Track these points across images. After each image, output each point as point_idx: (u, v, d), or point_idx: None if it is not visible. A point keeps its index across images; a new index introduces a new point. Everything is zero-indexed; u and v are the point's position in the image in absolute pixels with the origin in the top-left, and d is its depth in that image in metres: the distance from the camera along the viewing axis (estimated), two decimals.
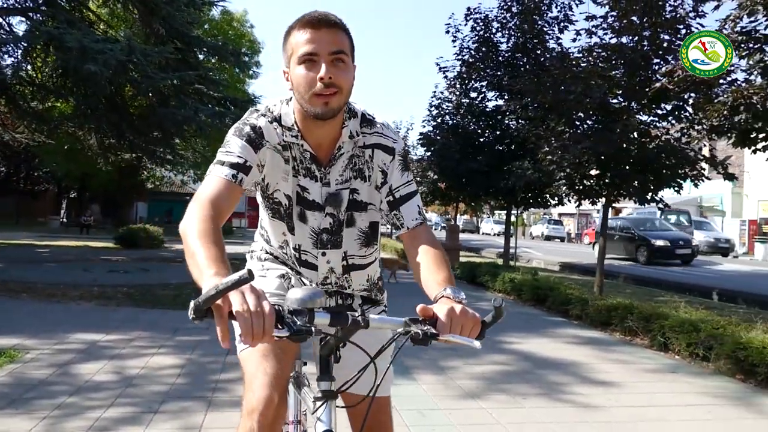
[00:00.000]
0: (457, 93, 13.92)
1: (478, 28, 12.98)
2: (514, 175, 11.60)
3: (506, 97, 12.71)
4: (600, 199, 9.69)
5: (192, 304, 0.96)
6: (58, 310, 7.00)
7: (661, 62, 8.89)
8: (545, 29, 12.26)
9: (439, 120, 14.46)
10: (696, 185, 9.21)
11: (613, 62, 9.10)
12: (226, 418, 3.51)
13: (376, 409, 1.51)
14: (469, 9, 12.96)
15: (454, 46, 13.32)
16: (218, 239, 1.19)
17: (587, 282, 11.25)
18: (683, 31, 8.91)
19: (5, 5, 13.32)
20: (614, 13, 9.13)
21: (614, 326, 6.81)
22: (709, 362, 5.32)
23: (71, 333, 5.67)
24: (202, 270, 1.08)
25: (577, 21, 10.87)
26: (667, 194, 9.69)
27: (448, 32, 13.23)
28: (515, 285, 9.69)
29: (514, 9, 12.52)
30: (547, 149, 9.20)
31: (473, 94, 13.75)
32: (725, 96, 5.46)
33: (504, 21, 12.74)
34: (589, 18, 9.38)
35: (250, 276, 0.93)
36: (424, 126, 15.08)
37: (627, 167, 8.85)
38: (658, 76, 7.13)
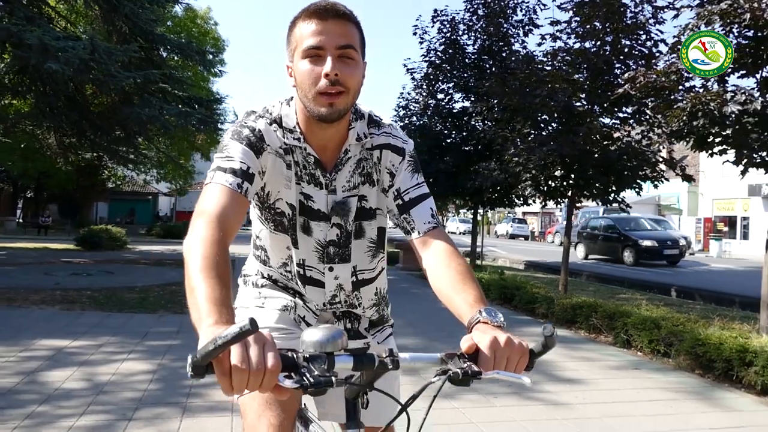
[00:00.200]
0: (425, 94, 14.03)
1: (445, 30, 13.13)
2: (480, 176, 11.77)
3: (473, 98, 12.89)
4: (564, 200, 9.96)
5: (189, 359, 0.84)
6: (19, 316, 6.82)
7: (623, 67, 9.17)
8: (510, 32, 12.47)
9: (406, 121, 14.55)
10: (656, 186, 9.53)
11: (577, 66, 9.35)
12: (202, 423, 3.51)
13: None
14: (436, 11, 13.10)
15: (422, 48, 13.44)
16: (223, 271, 1.05)
17: (552, 280, 11.50)
18: (643, 37, 9.24)
19: None
20: (578, 19, 9.38)
21: (579, 324, 7.01)
22: (670, 358, 5.53)
23: (36, 339, 5.55)
24: (201, 315, 0.93)
25: (542, 26, 11.09)
26: (628, 194, 10.00)
27: (415, 33, 13.35)
28: (483, 284, 9.84)
29: (480, 12, 12.70)
30: (514, 151, 9.38)
31: (440, 96, 13.89)
32: (684, 102, 5.66)
33: (470, 23, 12.91)
34: (554, 23, 9.60)
35: (253, 327, 0.82)
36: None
37: (590, 169, 9.10)
38: (620, 80, 7.33)
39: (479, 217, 15.67)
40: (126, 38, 12.53)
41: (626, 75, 6.50)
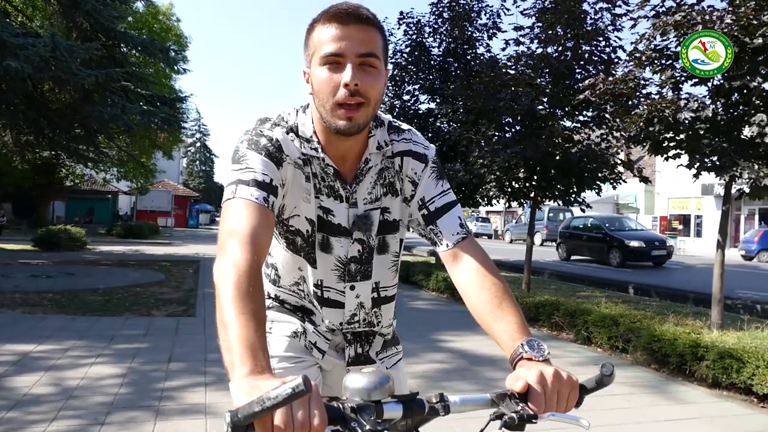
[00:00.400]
0: (390, 95, 14.13)
1: (410, 32, 13.25)
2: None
3: (438, 100, 13.06)
4: (527, 200, 10.22)
5: (228, 417, 0.76)
6: None
7: (583, 72, 9.47)
8: (475, 36, 12.68)
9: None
10: (614, 187, 9.87)
11: (540, 71, 9.61)
12: (176, 426, 3.54)
13: None
14: (402, 13, 13.20)
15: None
16: (258, 303, 0.98)
17: (515, 279, 11.76)
18: (603, 43, 9.56)
19: None
20: (540, 24, 9.64)
21: (542, 322, 7.23)
22: (628, 354, 5.78)
23: None
24: (235, 361, 0.86)
25: (506, 31, 11.34)
26: (588, 194, 10.32)
27: None
28: (448, 284, 10.01)
29: (445, 15, 12.86)
30: (478, 153, 9.58)
31: (406, 97, 14.01)
32: (641, 109, 5.91)
33: (436, 26, 13.07)
34: (517, 28, 9.84)
35: (307, 388, 0.73)
36: None
37: (552, 171, 9.37)
38: (580, 86, 7.58)
39: None
40: (87, 35, 12.28)
41: (587, 82, 6.74)
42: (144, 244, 22.31)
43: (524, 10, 9.80)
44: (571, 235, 20.33)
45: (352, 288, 1.40)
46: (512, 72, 9.79)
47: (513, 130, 10.01)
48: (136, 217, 38.68)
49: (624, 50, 9.23)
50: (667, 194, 32.10)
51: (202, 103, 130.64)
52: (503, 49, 10.36)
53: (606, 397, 4.45)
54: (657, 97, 6.18)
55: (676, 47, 6.05)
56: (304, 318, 1.44)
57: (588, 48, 9.55)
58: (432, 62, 13.33)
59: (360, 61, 1.17)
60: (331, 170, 1.30)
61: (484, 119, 9.92)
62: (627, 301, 8.59)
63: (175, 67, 20.73)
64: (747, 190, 6.04)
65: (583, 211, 10.53)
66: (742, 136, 5.74)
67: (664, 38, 5.96)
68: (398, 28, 13.45)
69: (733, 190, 6.26)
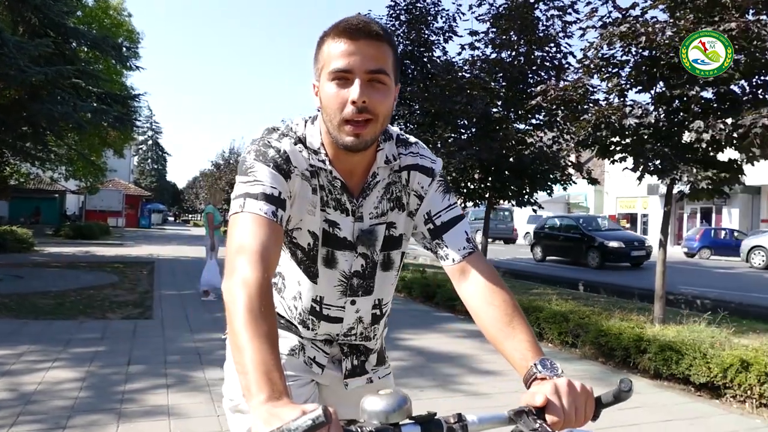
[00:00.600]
0: None
1: None
2: None
3: (395, 102, 13.22)
4: (482, 201, 10.50)
5: None
6: None
7: (536, 76, 9.81)
8: (432, 39, 12.90)
9: None
10: (564, 188, 10.25)
11: (494, 75, 9.90)
12: (139, 428, 3.57)
13: None
14: (359, 15, 13.31)
15: None
16: (271, 323, 0.98)
17: None
18: (554, 49, 9.92)
19: None
20: (494, 30, 9.93)
21: None
22: (577, 348, 6.06)
23: None
24: (251, 387, 0.86)
25: (462, 36, 11.60)
26: (540, 194, 10.68)
27: None
28: (405, 283, 10.19)
29: (402, 17, 13.04)
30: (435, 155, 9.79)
31: None
32: (590, 115, 6.19)
33: (393, 28, 13.23)
34: (473, 33, 10.10)
35: (327, 418, 0.73)
36: None
37: (506, 172, 9.67)
38: (533, 90, 7.86)
39: None
40: (35, 30, 11.92)
41: (539, 88, 7.00)
42: (94, 245, 21.74)
43: (479, 15, 10.07)
44: (546, 236, 19.64)
45: (353, 303, 1.38)
46: (468, 76, 10.05)
47: (468, 132, 10.27)
48: (85, 217, 37.57)
49: (574, 56, 9.63)
50: (615, 194, 33.24)
51: (154, 100, 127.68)
52: (459, 53, 10.63)
53: None
54: (604, 103, 6.49)
55: (622, 56, 6.38)
56: (299, 333, 1.42)
57: (540, 53, 9.90)
58: None
59: (369, 77, 1.15)
60: (339, 183, 1.28)
61: (441, 121, 10.15)
62: (577, 298, 8.93)
63: (128, 64, 20.26)
64: (687, 192, 6.41)
65: (534, 212, 10.88)
66: (682, 142, 6.08)
67: (611, 48, 6.26)
68: None
69: (675, 191, 6.63)
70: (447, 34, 12.84)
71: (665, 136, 6.18)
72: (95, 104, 13.07)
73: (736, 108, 5.81)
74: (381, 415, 0.88)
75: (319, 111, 1.24)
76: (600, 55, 6.40)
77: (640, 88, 6.39)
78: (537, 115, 9.80)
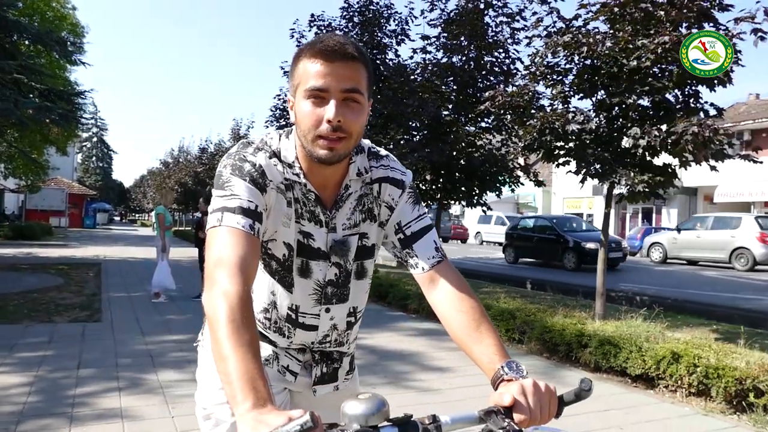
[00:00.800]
0: None
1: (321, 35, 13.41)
2: None
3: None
4: (434, 202, 10.73)
5: None
6: None
7: (485, 81, 10.09)
8: (384, 41, 13.04)
9: (282, 122, 14.67)
10: (512, 190, 10.58)
11: (445, 79, 10.13)
12: (93, 431, 3.56)
13: None
14: (313, 15, 13.33)
15: None
16: (252, 333, 1.01)
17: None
18: (503, 55, 10.22)
19: None
20: (445, 35, 10.15)
21: None
22: (523, 344, 6.31)
23: None
24: (236, 396, 0.89)
25: (414, 40, 11.80)
26: (489, 195, 10.99)
27: (292, 36, 13.50)
28: None
29: (356, 19, 13.13)
30: None
31: None
32: (535, 120, 6.46)
33: (346, 30, 13.31)
34: (424, 37, 10.30)
35: (315, 423, 0.77)
36: (267, 126, 15.19)
37: (457, 174, 9.92)
38: (483, 95, 8.10)
39: None
40: None
41: (487, 93, 7.23)
42: (36, 246, 20.97)
43: (431, 20, 10.28)
44: (519, 237, 19.16)
45: (327, 311, 1.42)
46: (419, 79, 10.25)
47: (420, 134, 10.48)
48: (25, 216, 36.08)
49: (522, 62, 9.96)
50: (562, 194, 34.28)
51: (100, 97, 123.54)
52: (411, 57, 10.80)
53: None
54: (549, 109, 6.77)
55: (565, 65, 6.68)
56: (272, 342, 1.45)
57: (490, 59, 10.19)
58: None
59: (344, 96, 1.19)
60: (313, 196, 1.32)
61: (393, 124, 10.31)
62: (525, 296, 9.24)
63: (72, 59, 19.62)
64: (625, 194, 6.76)
65: (484, 212, 11.17)
66: (621, 147, 6.40)
67: (555, 56, 6.53)
68: (309, 30, 13.58)
69: (615, 194, 6.97)
70: (400, 37, 13.01)
71: (605, 142, 6.50)
72: (38, 101, 12.63)
73: (670, 116, 6.18)
74: (361, 418, 0.92)
75: (293, 125, 1.29)
76: (545, 62, 6.67)
77: (583, 95, 6.69)
78: (486, 119, 10.09)
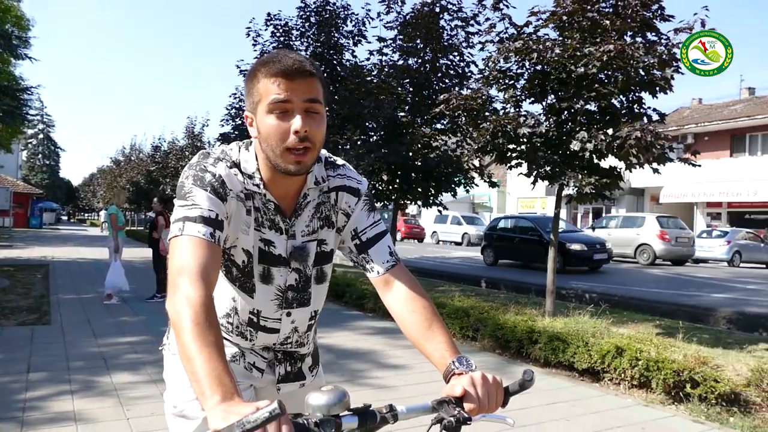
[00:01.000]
0: None
1: (278, 34, 13.33)
2: None
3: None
4: (390, 203, 10.86)
5: None
6: None
7: (440, 83, 10.28)
8: (341, 42, 13.08)
9: (238, 121, 14.53)
10: (467, 191, 10.80)
11: (401, 81, 10.27)
12: None
13: None
14: (269, 15, 13.25)
15: (255, 50, 13.52)
16: (216, 335, 1.06)
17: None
18: (457, 58, 10.42)
19: None
20: (401, 37, 10.29)
21: None
22: (477, 341, 6.48)
23: None
24: (204, 392, 0.94)
25: (371, 42, 11.87)
26: (445, 196, 11.18)
27: (248, 35, 13.39)
28: None
29: (312, 19, 13.11)
30: (344, 157, 10.02)
31: None
32: (488, 124, 6.64)
33: (303, 30, 13.29)
34: (381, 39, 10.42)
35: (282, 411, 0.82)
36: (223, 126, 15.02)
37: (413, 174, 10.06)
38: (438, 98, 8.26)
39: None
40: None
41: (442, 96, 7.38)
42: None
43: (387, 22, 10.40)
44: (499, 237, 18.31)
45: (288, 314, 1.48)
46: (376, 80, 10.36)
47: (377, 135, 10.58)
48: None
49: (476, 65, 10.17)
50: (516, 194, 35.02)
51: (46, 92, 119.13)
52: (368, 59, 10.89)
53: None
54: (502, 113, 6.97)
55: (517, 70, 6.89)
56: (238, 343, 1.51)
57: (445, 61, 10.37)
58: None
59: (306, 106, 1.25)
60: (272, 205, 1.38)
61: (350, 124, 10.37)
62: (479, 294, 9.46)
63: (17, 53, 18.94)
64: (574, 195, 7.02)
65: (440, 212, 11.35)
66: (570, 150, 6.65)
67: (507, 61, 6.73)
68: (266, 29, 13.50)
69: (564, 195, 7.23)
70: (356, 38, 13.07)
71: (555, 145, 6.74)
72: None
73: (615, 120, 6.45)
74: (324, 408, 0.98)
75: (254, 139, 1.34)
76: (498, 67, 6.86)
77: (533, 99, 6.92)
78: (442, 121, 10.26)
